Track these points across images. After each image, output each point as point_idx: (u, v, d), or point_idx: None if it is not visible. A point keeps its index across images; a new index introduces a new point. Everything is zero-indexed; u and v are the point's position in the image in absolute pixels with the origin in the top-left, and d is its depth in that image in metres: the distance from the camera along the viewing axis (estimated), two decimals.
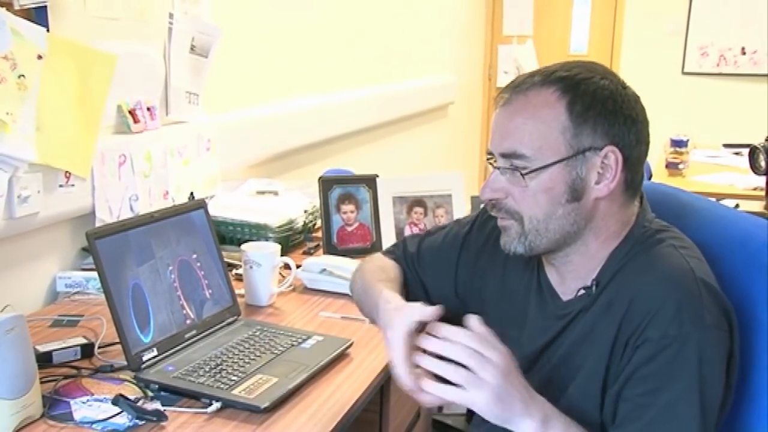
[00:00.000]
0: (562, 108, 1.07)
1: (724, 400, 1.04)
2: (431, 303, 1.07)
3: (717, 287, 1.06)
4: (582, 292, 1.13)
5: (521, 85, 1.11)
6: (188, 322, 1.45)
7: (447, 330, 1.01)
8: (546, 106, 1.08)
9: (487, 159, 1.16)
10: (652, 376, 1.02)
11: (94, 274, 1.36)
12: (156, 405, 1.22)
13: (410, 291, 1.32)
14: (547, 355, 1.16)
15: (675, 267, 1.06)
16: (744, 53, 5.01)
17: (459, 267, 1.32)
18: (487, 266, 1.28)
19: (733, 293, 1.10)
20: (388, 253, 1.42)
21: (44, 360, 1.35)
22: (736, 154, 4.23)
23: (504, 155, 1.10)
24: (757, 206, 3.07)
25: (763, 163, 2.59)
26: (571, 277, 1.15)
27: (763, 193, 2.91)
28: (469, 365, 0.98)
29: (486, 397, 0.98)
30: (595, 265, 1.13)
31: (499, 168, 1.11)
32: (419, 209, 2.09)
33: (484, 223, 1.31)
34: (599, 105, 1.06)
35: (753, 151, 2.64)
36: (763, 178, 2.76)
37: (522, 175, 1.08)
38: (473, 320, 1.02)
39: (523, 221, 1.10)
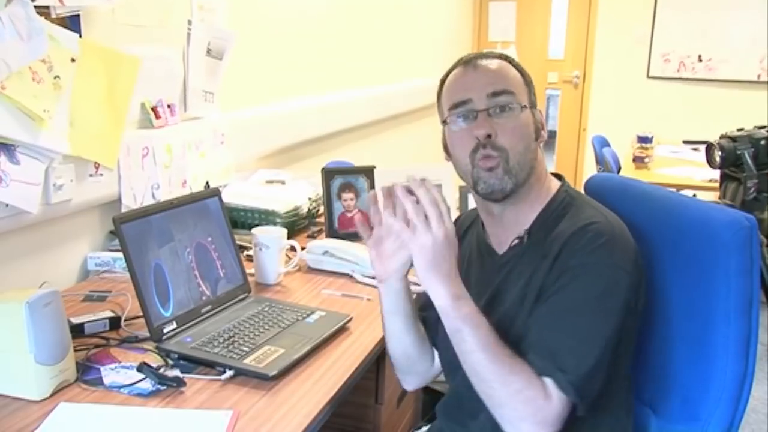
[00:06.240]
0: (518, 73, 1.19)
1: (631, 324, 1.09)
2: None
3: (628, 236, 1.11)
4: (516, 242, 1.18)
5: (479, 56, 1.20)
6: (204, 298, 1.45)
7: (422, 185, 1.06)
8: (510, 68, 1.19)
9: (458, 110, 1.16)
10: (564, 294, 1.06)
11: (121, 254, 1.36)
12: (176, 372, 1.23)
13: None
14: (496, 304, 1.16)
15: (593, 217, 1.12)
16: (701, 60, 5.01)
17: None
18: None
19: (694, 269, 1.12)
20: None
21: (77, 331, 1.35)
22: (695, 149, 4.23)
23: (496, 93, 1.14)
24: (713, 196, 3.08)
25: (717, 158, 2.59)
26: (507, 232, 1.19)
27: (717, 185, 2.92)
28: (430, 215, 1.03)
29: (428, 245, 1.02)
30: (526, 220, 1.18)
31: (487, 109, 1.13)
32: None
33: None
34: (531, 78, 1.21)
35: (709, 147, 2.63)
36: (718, 171, 2.76)
37: (522, 107, 1.14)
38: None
39: (509, 156, 1.12)
